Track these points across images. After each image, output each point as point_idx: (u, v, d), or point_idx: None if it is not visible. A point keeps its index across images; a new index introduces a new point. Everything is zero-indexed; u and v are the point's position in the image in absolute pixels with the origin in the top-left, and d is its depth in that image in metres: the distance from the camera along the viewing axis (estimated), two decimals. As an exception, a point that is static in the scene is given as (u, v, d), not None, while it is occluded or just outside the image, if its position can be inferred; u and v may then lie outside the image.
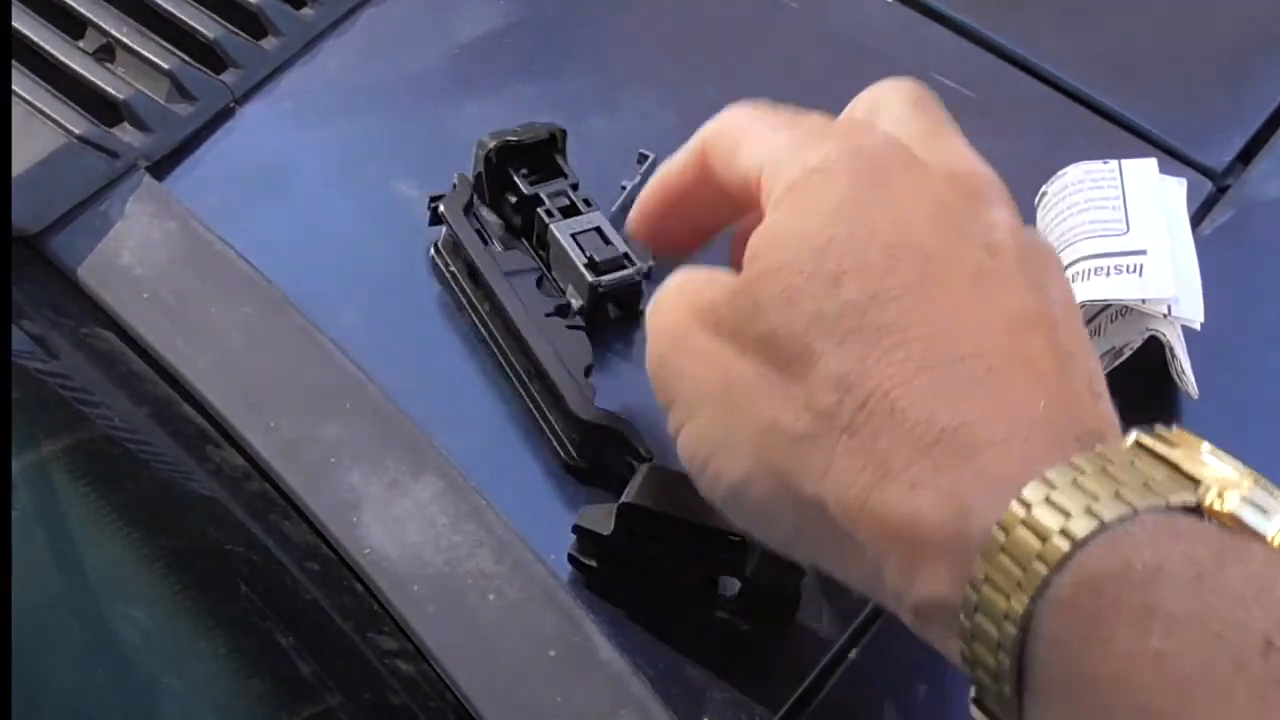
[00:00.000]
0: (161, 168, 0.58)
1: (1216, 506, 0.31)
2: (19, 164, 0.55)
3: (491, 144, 0.53)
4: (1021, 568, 0.30)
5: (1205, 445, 0.33)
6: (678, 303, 0.41)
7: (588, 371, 0.49)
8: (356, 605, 0.47)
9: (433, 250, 0.55)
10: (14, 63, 0.59)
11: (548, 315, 0.51)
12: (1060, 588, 0.30)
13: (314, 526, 0.48)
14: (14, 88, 0.58)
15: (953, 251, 0.37)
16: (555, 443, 0.50)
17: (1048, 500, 0.31)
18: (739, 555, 0.44)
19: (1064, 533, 0.30)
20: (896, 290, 0.36)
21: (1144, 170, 0.54)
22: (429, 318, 0.54)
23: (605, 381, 0.50)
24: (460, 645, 0.45)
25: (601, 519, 0.45)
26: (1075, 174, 0.55)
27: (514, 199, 0.53)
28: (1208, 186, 0.59)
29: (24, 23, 0.60)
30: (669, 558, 0.45)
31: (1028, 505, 0.31)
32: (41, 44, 0.60)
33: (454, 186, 0.54)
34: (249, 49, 0.61)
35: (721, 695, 0.45)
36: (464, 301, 0.53)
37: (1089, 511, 0.30)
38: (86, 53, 0.60)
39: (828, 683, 0.45)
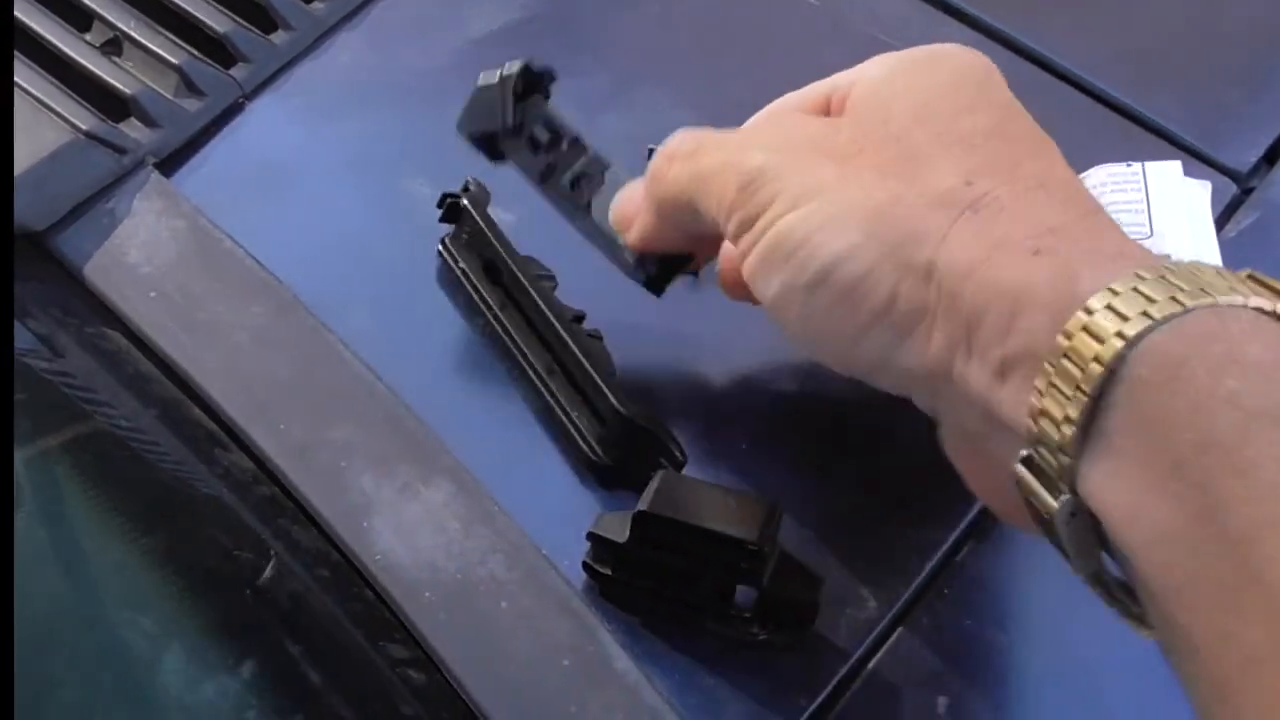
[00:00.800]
0: (169, 164, 0.57)
1: None
2: (24, 160, 0.54)
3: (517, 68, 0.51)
4: (1123, 318, 0.32)
5: None
6: (771, 134, 0.43)
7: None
8: (367, 612, 0.46)
9: (440, 247, 0.54)
10: (20, 57, 0.58)
11: (568, 321, 0.50)
12: (1156, 336, 0.32)
13: (324, 532, 0.47)
14: (20, 82, 0.57)
15: (1027, 118, 0.41)
16: (580, 440, 0.49)
17: (1163, 278, 0.33)
18: (756, 564, 0.44)
19: (1174, 299, 0.32)
20: (1017, 133, 0.40)
21: (1168, 173, 0.54)
22: (441, 318, 0.53)
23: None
24: (472, 654, 0.44)
25: (617, 526, 0.45)
26: (1098, 176, 0.54)
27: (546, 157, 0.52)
28: (1232, 189, 0.58)
29: (30, 16, 0.60)
30: (685, 566, 0.45)
31: (1142, 278, 0.33)
32: (48, 38, 0.59)
33: (466, 187, 0.53)
34: (259, 43, 0.61)
35: (738, 706, 0.44)
36: (476, 300, 0.53)
37: (1203, 291, 0.32)
38: (94, 47, 0.60)
39: (845, 694, 0.45)
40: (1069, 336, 0.33)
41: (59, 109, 0.56)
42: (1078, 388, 0.33)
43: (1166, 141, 0.59)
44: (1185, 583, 0.31)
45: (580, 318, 0.51)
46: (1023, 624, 0.47)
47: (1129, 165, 0.54)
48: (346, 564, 0.47)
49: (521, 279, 0.51)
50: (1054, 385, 0.33)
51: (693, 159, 0.44)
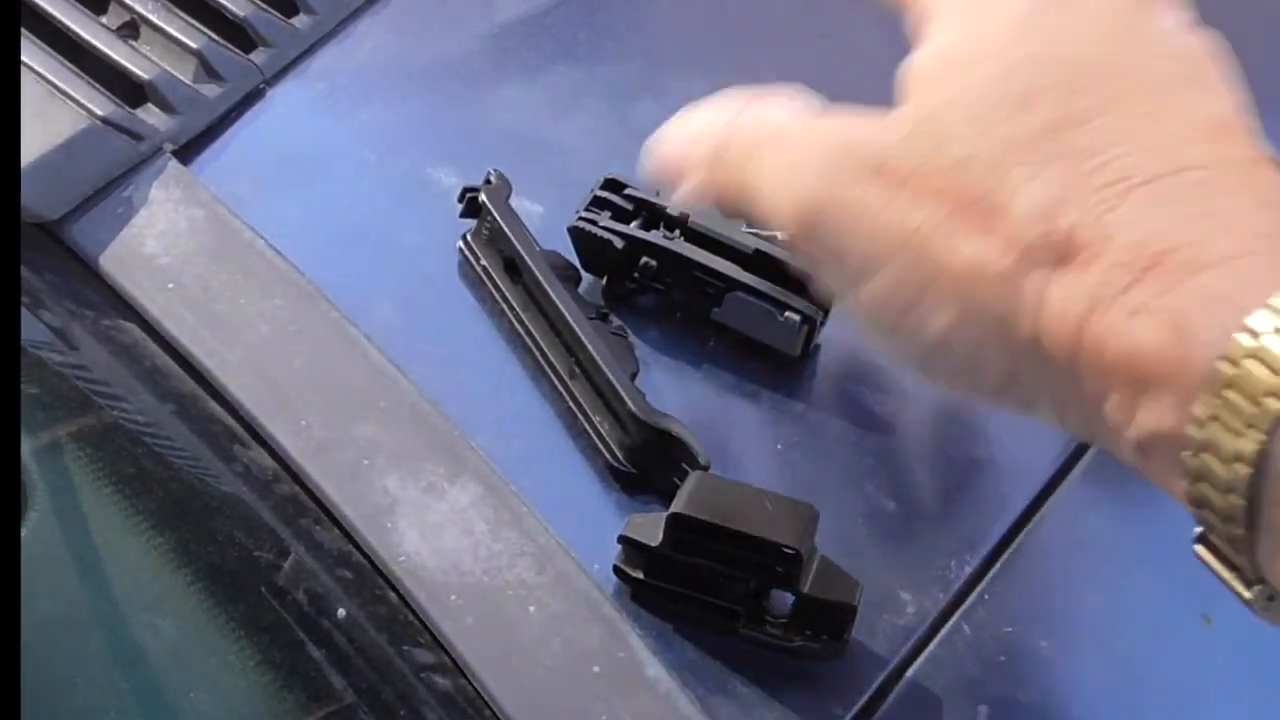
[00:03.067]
0: (188, 151, 0.56)
1: None
2: (38, 147, 0.53)
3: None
4: (1253, 403, 0.29)
5: None
6: (824, 145, 0.38)
7: (632, 379, 0.48)
8: (391, 616, 0.46)
9: (461, 243, 0.53)
10: (35, 40, 0.57)
11: (590, 319, 0.49)
12: None
13: (346, 532, 0.47)
14: (35, 66, 0.56)
15: (1141, 64, 0.36)
16: (602, 447, 0.48)
17: (1278, 330, 0.29)
18: (793, 568, 0.43)
19: None
20: (1090, 110, 0.34)
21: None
22: (468, 312, 0.53)
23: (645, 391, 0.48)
24: (499, 659, 0.44)
25: (649, 529, 0.44)
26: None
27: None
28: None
29: (46, -2, 0.59)
30: (719, 570, 0.44)
31: (1255, 335, 0.29)
32: (63, 20, 0.58)
33: (487, 180, 0.53)
34: (280, 27, 0.60)
35: (772, 715, 0.44)
36: (496, 298, 0.52)
37: None
38: (110, 30, 0.59)
39: (884, 703, 0.44)
40: (1200, 425, 0.30)
41: (74, 94, 0.56)
42: (1230, 488, 0.30)
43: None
44: None
45: (604, 315, 0.50)
46: (1065, 631, 0.46)
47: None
48: (369, 566, 0.46)
49: (540, 278, 0.50)
50: (1202, 479, 0.31)
51: (744, 169, 0.40)
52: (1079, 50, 0.36)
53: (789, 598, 0.44)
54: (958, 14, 0.38)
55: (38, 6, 0.58)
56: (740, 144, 0.41)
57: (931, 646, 0.45)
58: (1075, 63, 0.36)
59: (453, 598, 0.45)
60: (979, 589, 0.46)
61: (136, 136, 0.55)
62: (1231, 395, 0.30)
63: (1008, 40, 0.36)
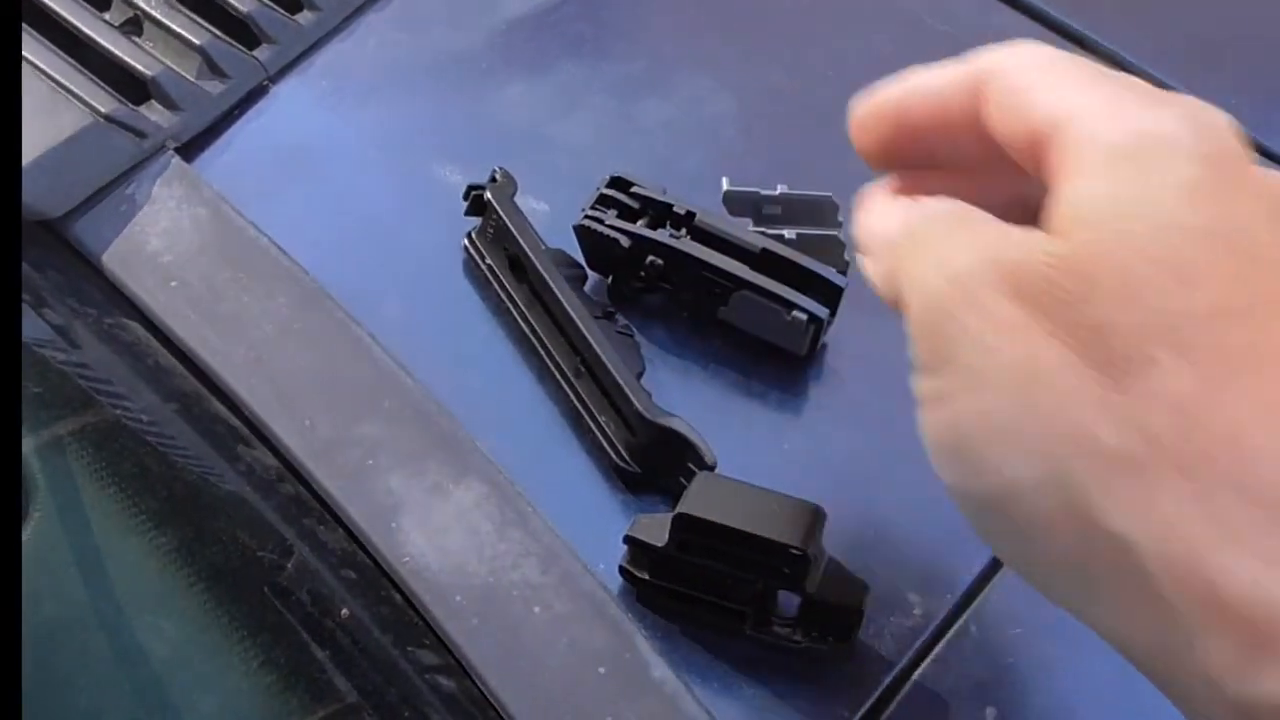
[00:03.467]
0: (191, 149, 0.57)
1: None
2: (41, 144, 0.53)
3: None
4: None
5: None
6: (971, 246, 0.35)
7: (638, 378, 0.48)
8: (395, 616, 0.45)
9: (466, 241, 0.53)
10: (38, 37, 0.57)
11: (596, 318, 0.49)
12: None
13: (351, 532, 0.47)
14: (37, 63, 0.56)
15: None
16: (607, 446, 0.48)
17: None
18: (800, 569, 0.42)
19: None
20: (1248, 307, 0.31)
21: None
22: (473, 311, 0.52)
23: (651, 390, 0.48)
24: (505, 660, 0.44)
25: (655, 529, 0.44)
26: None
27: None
28: (1291, 182, 0.56)
29: (48, -6, 0.59)
30: (725, 571, 0.44)
31: None
32: (66, 16, 0.58)
33: (493, 178, 0.53)
34: (284, 24, 0.60)
35: (778, 717, 0.44)
36: (501, 296, 0.52)
37: None
38: (113, 26, 0.59)
39: (890, 704, 0.44)
40: None
41: (77, 91, 0.56)
42: None
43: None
44: None
45: (610, 314, 0.50)
46: (1072, 633, 0.45)
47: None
48: (374, 566, 0.46)
49: (546, 277, 0.50)
50: None
51: (899, 257, 0.37)
52: (1246, 236, 0.32)
53: (795, 599, 0.44)
54: (1119, 157, 0.33)
55: (40, 3, 0.58)
56: (903, 235, 0.38)
57: (938, 648, 0.45)
58: (1244, 249, 0.32)
59: (457, 598, 0.44)
60: (986, 591, 0.46)
61: (139, 134, 0.55)
62: None
63: (1182, 199, 0.32)
